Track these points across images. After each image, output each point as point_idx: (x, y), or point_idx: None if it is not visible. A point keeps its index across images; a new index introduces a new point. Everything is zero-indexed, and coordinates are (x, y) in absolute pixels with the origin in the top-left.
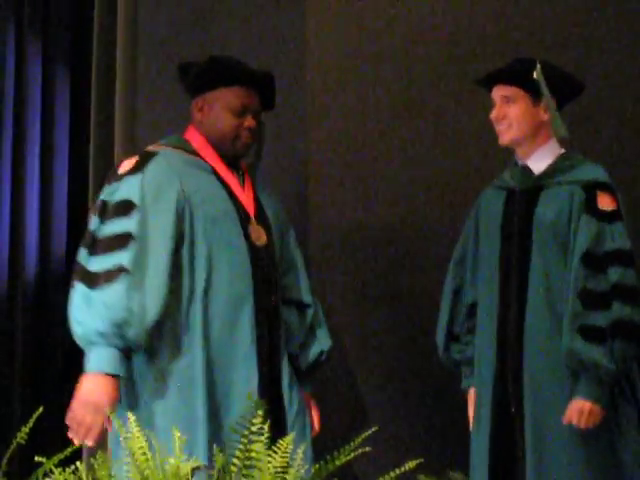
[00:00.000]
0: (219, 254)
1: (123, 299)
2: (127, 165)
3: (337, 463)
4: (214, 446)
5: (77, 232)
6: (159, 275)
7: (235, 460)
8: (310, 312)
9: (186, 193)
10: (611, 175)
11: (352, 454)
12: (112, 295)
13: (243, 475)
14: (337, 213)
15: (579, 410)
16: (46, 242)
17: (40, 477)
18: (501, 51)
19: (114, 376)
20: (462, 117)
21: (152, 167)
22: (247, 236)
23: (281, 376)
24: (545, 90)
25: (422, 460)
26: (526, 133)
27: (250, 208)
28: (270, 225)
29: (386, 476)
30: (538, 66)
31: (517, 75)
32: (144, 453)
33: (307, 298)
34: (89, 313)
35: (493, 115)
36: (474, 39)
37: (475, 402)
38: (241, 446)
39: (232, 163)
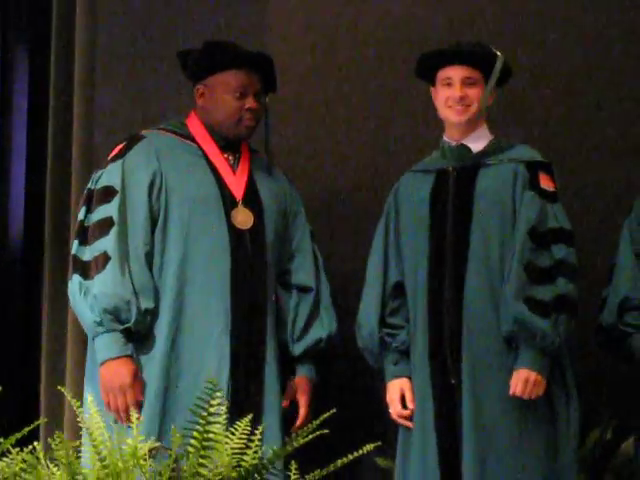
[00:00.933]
0: (195, 237)
1: (110, 287)
2: (114, 151)
3: (295, 445)
4: (172, 427)
5: (35, 218)
6: (140, 259)
7: (193, 441)
8: (311, 295)
9: (163, 175)
10: None
11: (310, 436)
12: (100, 285)
13: (201, 456)
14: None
15: (525, 380)
16: (3, 227)
17: None
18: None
19: (124, 356)
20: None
21: (133, 151)
22: (229, 219)
23: (264, 360)
24: (494, 78)
25: (380, 443)
26: (477, 115)
27: (238, 191)
28: (263, 209)
29: (344, 458)
30: (501, 56)
31: (484, 60)
32: (102, 433)
33: (308, 281)
34: (85, 304)
35: (456, 94)
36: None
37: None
38: (199, 427)
39: (230, 147)
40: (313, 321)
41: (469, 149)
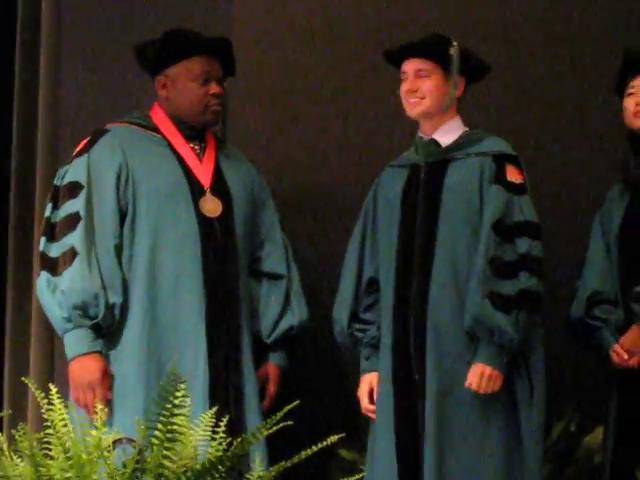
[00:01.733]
0: (164, 227)
1: (78, 282)
2: (79, 146)
3: (259, 437)
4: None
5: None
6: (109, 253)
7: (157, 432)
8: (283, 283)
9: (129, 168)
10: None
11: (273, 428)
12: (68, 281)
13: (165, 448)
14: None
15: (479, 374)
16: None
17: None
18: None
19: (93, 352)
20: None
21: (98, 146)
22: (198, 208)
23: (240, 347)
24: (455, 67)
25: (344, 435)
26: (436, 107)
27: (206, 180)
28: (231, 196)
29: (308, 450)
30: (455, 43)
31: (434, 50)
32: (65, 425)
33: (279, 269)
34: (53, 300)
35: (406, 87)
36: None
37: (376, 383)
38: (163, 419)
39: (195, 136)
40: (284, 309)
41: (438, 144)
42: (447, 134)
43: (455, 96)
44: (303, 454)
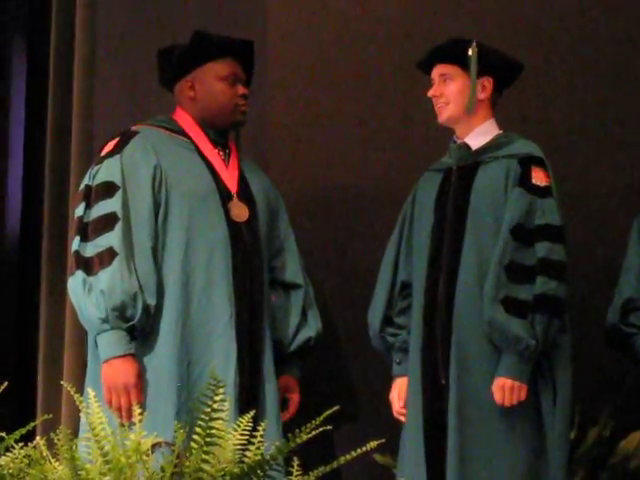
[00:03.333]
0: (197, 230)
1: (118, 282)
2: (108, 147)
3: (298, 441)
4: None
5: (31, 214)
6: (145, 254)
7: (196, 436)
8: (300, 293)
9: (163, 170)
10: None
11: (313, 432)
12: (107, 280)
13: (204, 452)
14: (297, 178)
15: (501, 388)
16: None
17: (2, 452)
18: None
19: (128, 355)
20: (421, 83)
21: (130, 147)
22: (227, 213)
23: (263, 353)
24: (473, 68)
25: (383, 440)
26: (462, 111)
27: (232, 185)
28: (255, 202)
29: (347, 455)
30: (473, 44)
31: (454, 53)
32: (104, 428)
33: (297, 279)
34: (89, 300)
35: (431, 93)
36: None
37: (406, 388)
38: (202, 422)
39: (220, 141)
40: (302, 320)
41: (469, 147)
42: (479, 137)
43: (476, 98)
44: (342, 459)
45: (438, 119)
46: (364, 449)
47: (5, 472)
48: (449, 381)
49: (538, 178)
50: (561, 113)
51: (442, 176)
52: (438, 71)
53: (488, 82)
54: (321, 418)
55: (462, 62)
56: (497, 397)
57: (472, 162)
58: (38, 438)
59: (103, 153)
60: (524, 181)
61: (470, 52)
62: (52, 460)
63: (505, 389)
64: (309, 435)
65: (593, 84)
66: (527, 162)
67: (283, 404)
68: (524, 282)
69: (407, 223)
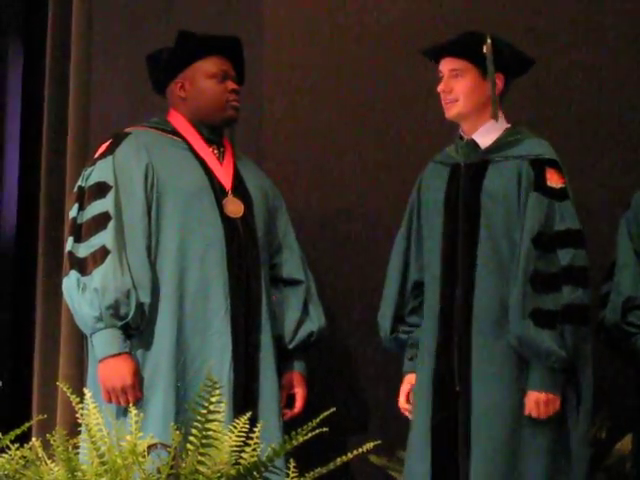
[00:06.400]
0: (191, 228)
1: (111, 280)
2: (101, 149)
3: (294, 443)
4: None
5: (27, 214)
6: (139, 253)
7: (192, 438)
8: (302, 288)
9: (155, 169)
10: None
11: (309, 434)
12: (101, 279)
13: (200, 453)
14: (290, 193)
15: (535, 402)
16: None
17: None
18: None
19: (123, 353)
20: (421, 98)
21: (122, 147)
22: (222, 209)
23: (260, 348)
24: (491, 66)
25: (379, 442)
26: (473, 107)
27: (227, 182)
28: (251, 198)
29: (344, 457)
30: (488, 41)
31: (467, 48)
32: (100, 429)
33: (298, 275)
34: (83, 299)
35: (440, 88)
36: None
37: (413, 385)
38: (198, 424)
39: (214, 140)
40: (303, 315)
41: (477, 145)
42: (487, 134)
43: (497, 104)
44: (338, 460)
45: (445, 114)
46: (360, 450)
47: (1, 473)
48: (466, 387)
49: (553, 180)
50: (560, 113)
51: (449, 171)
52: (448, 65)
53: (499, 79)
54: (317, 420)
55: (474, 57)
56: (533, 412)
57: (480, 160)
58: (34, 439)
59: (96, 155)
60: (539, 185)
61: (485, 50)
62: (48, 461)
63: (540, 403)
64: (306, 437)
65: (593, 84)
66: (540, 164)
67: (289, 400)
68: (550, 291)
69: (415, 217)
